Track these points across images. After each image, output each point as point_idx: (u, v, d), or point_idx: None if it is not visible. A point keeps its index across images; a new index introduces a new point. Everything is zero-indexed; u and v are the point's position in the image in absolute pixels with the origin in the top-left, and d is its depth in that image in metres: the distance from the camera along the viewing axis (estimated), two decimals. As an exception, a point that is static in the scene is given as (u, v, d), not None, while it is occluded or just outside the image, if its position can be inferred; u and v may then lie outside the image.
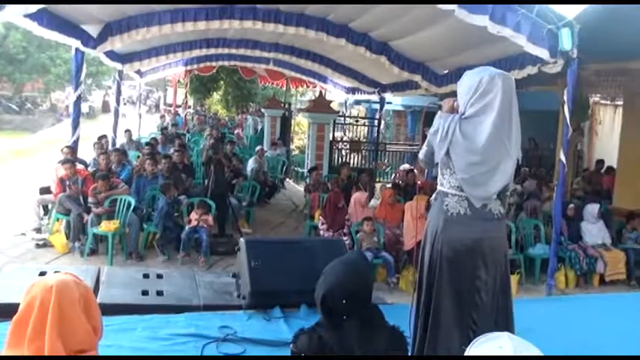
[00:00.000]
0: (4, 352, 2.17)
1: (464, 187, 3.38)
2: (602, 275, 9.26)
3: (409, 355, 3.39)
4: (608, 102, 16.60)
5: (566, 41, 7.01)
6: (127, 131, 15.45)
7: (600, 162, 14.91)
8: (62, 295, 2.15)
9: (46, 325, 2.10)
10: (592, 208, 9.81)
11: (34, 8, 6.63)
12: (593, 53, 8.44)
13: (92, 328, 2.24)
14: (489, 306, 3.44)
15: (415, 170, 12.92)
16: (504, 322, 3.51)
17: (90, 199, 9.05)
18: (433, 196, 3.64)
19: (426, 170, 13.10)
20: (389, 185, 11.92)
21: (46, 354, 2.09)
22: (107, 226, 8.68)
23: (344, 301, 2.62)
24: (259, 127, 22.61)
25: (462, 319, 3.40)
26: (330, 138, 16.58)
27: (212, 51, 13.62)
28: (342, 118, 19.28)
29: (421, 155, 3.65)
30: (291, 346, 2.78)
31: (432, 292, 3.46)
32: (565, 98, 7.67)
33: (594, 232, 9.70)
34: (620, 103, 14.69)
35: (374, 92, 15.26)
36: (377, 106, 17.06)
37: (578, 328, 4.94)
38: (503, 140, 3.35)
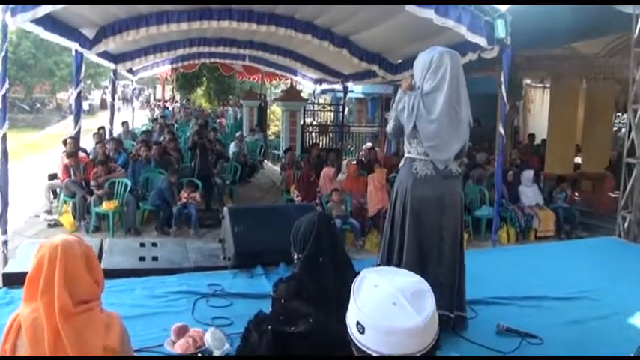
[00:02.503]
0: (21, 307, 2.16)
1: (429, 153, 3.46)
2: (537, 231, 9.45)
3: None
4: (538, 84, 16.81)
5: (500, 30, 7.04)
6: (125, 123, 15.40)
7: (531, 136, 15.14)
8: (67, 252, 2.14)
9: (55, 279, 2.10)
10: (528, 174, 9.98)
11: (42, 12, 6.56)
12: (524, 42, 8.52)
13: (95, 281, 2.23)
14: (451, 254, 3.51)
15: (376, 148, 13.00)
16: (460, 269, 3.61)
17: (92, 183, 9.13)
18: (401, 162, 3.69)
19: (385, 147, 13.21)
20: (354, 162, 11.96)
21: (55, 304, 2.08)
22: (108, 206, 8.81)
23: (314, 235, 2.62)
24: (239, 117, 22.57)
25: (429, 266, 3.45)
26: (302, 123, 16.53)
27: (194, 50, 13.46)
28: (312, 106, 19.24)
29: (389, 129, 3.71)
30: (271, 293, 2.79)
31: (402, 244, 3.51)
32: (502, 79, 7.77)
33: (530, 194, 9.87)
34: (548, 85, 14.88)
35: (338, 82, 15.24)
36: (341, 94, 17.03)
37: (517, 271, 5.03)
38: (456, 108, 3.44)
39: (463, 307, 3.65)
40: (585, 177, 12.58)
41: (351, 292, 1.38)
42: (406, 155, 3.61)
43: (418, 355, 1.31)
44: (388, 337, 1.29)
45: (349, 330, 1.37)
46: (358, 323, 1.33)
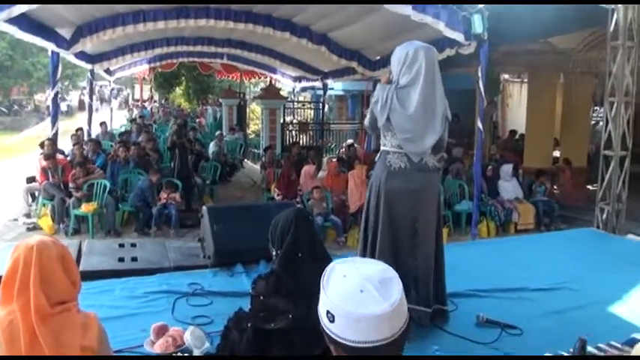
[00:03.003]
0: None
1: (403, 146, 3.46)
2: (517, 224, 9.55)
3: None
4: (516, 79, 16.97)
5: (477, 25, 7.13)
6: (103, 124, 15.26)
7: (513, 131, 15.26)
8: (42, 253, 2.12)
9: (30, 280, 2.08)
10: (507, 168, 10.08)
11: (17, 11, 6.48)
12: (502, 37, 8.60)
13: (71, 282, 2.21)
14: (426, 248, 3.51)
15: (356, 145, 13.03)
16: (438, 263, 3.61)
17: (70, 185, 9.06)
18: (377, 155, 3.70)
19: (366, 144, 13.24)
20: (334, 159, 11.98)
21: (31, 307, 2.07)
22: (87, 208, 8.74)
23: (293, 231, 2.61)
24: (218, 116, 22.44)
25: (403, 260, 3.45)
26: (281, 121, 16.51)
27: (172, 49, 13.40)
28: (291, 104, 19.24)
29: (366, 122, 3.71)
30: (250, 290, 2.79)
31: (375, 236, 3.52)
32: (479, 74, 7.83)
33: (509, 188, 9.97)
34: (526, 79, 15.03)
35: (317, 79, 15.27)
36: (321, 92, 17.05)
37: (497, 263, 5.09)
38: (430, 102, 3.45)
39: (444, 300, 3.66)
40: (564, 170, 12.73)
41: (321, 284, 1.41)
42: (381, 148, 3.62)
43: (388, 341, 1.33)
44: (357, 324, 1.31)
45: (320, 320, 1.40)
46: (328, 312, 1.36)
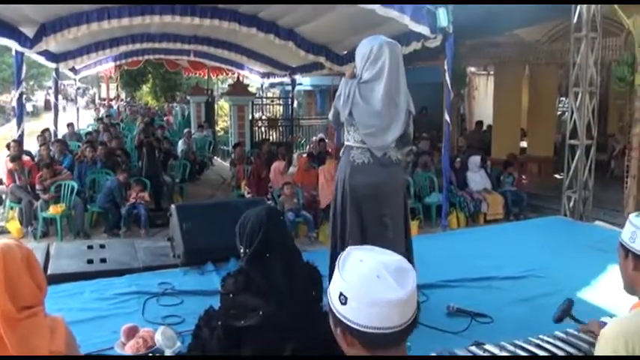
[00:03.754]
0: None
1: (365, 141, 3.47)
2: (486, 215, 9.68)
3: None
4: (482, 72, 17.17)
5: (442, 19, 7.19)
6: (70, 125, 15.07)
7: (479, 123, 15.44)
8: (6, 256, 2.07)
9: None
10: (475, 160, 10.19)
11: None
12: (468, 30, 8.69)
13: (37, 286, 2.18)
14: (395, 243, 3.48)
15: (326, 139, 13.05)
16: (407, 256, 3.61)
17: (37, 187, 8.89)
18: (342, 150, 3.70)
19: (336, 139, 13.26)
20: (304, 154, 11.98)
21: None
22: (55, 210, 8.60)
23: (264, 232, 2.61)
24: (186, 113, 22.26)
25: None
26: (250, 117, 16.44)
27: (137, 46, 13.27)
28: (260, 100, 19.17)
29: (330, 116, 3.71)
30: (220, 288, 2.78)
31: (344, 233, 3.52)
32: (445, 67, 7.91)
33: (478, 179, 10.08)
34: (492, 72, 15.22)
35: (285, 75, 15.25)
36: (290, 87, 17.04)
37: (466, 254, 5.15)
38: (394, 97, 3.46)
39: None
40: (531, 160, 12.95)
41: (336, 266, 1.41)
42: (345, 143, 3.63)
43: (398, 329, 1.34)
44: (371, 309, 1.32)
45: (330, 301, 1.40)
46: (341, 294, 1.36)
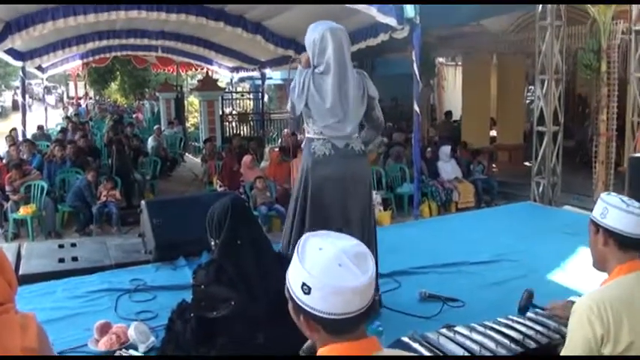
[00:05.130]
0: None
1: (324, 132, 3.40)
2: (457, 203, 9.80)
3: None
4: (450, 62, 17.32)
5: (409, 10, 7.24)
6: (40, 127, 15.01)
7: (448, 113, 15.60)
8: (-25, 254, 2.06)
9: None
10: (445, 149, 10.29)
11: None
12: (435, 21, 8.76)
13: (7, 283, 2.16)
14: (359, 237, 3.46)
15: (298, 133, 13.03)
16: (370, 249, 3.56)
17: (7, 188, 8.77)
18: (304, 142, 3.63)
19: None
20: (276, 148, 11.97)
21: None
22: (25, 211, 8.49)
23: (230, 219, 2.62)
24: (156, 110, 22.05)
25: None
26: (220, 113, 16.35)
27: (104, 43, 13.09)
28: (230, 94, 19.07)
29: (288, 108, 3.61)
30: (192, 280, 2.79)
31: (303, 226, 3.43)
32: (414, 58, 7.97)
33: (448, 169, 10.19)
34: (460, 62, 15.37)
35: (255, 69, 15.20)
36: (260, 82, 16.99)
37: (437, 241, 5.22)
38: (343, 85, 3.38)
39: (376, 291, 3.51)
40: (501, 148, 13.13)
41: (295, 255, 1.41)
42: (306, 135, 3.55)
43: (359, 312, 1.37)
44: (335, 297, 1.34)
45: (292, 292, 1.40)
46: (304, 284, 1.36)
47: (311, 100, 3.36)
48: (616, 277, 2.08)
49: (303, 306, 1.37)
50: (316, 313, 1.36)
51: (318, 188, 3.42)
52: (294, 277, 1.39)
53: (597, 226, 2.15)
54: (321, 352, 1.42)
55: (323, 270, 1.36)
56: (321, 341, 1.43)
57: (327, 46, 3.33)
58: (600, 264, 2.19)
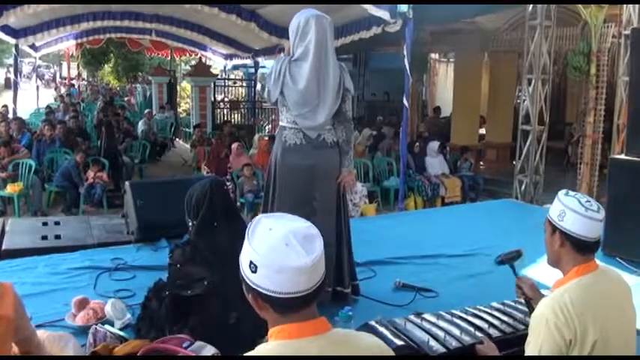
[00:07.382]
0: None
1: (297, 121, 3.39)
2: (444, 198, 9.87)
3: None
4: (443, 59, 17.39)
5: (403, 4, 7.31)
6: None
7: (437, 109, 15.69)
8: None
9: None
10: (433, 145, 10.35)
11: None
12: (429, 17, 8.80)
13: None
14: (325, 227, 3.22)
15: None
16: (340, 244, 3.52)
17: (-6, 165, 8.75)
18: (277, 130, 3.63)
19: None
20: (265, 137, 12.00)
21: None
22: (12, 189, 8.46)
23: (208, 200, 2.67)
24: (148, 94, 21.99)
25: None
26: (212, 99, 16.36)
27: (99, 24, 13.01)
28: (222, 81, 19.06)
29: (264, 95, 3.64)
30: (168, 259, 2.84)
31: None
32: (405, 53, 8.02)
33: (436, 164, 10.26)
34: (452, 59, 15.43)
35: (249, 57, 15.21)
36: (253, 70, 16.99)
37: (417, 233, 5.29)
38: (322, 75, 3.35)
39: (344, 282, 3.53)
40: (490, 146, 13.21)
41: (246, 234, 1.46)
42: (279, 124, 3.55)
43: (306, 293, 1.41)
44: (279, 275, 1.39)
45: (242, 270, 1.45)
46: (251, 263, 1.41)
47: (286, 88, 3.35)
48: (573, 277, 2.12)
49: (251, 284, 1.42)
50: (262, 291, 1.41)
51: (286, 177, 3.43)
52: (244, 255, 1.45)
53: (554, 228, 2.17)
54: (271, 333, 1.48)
55: (269, 249, 1.41)
56: (271, 321, 1.48)
57: (310, 30, 3.29)
58: (555, 263, 2.23)
